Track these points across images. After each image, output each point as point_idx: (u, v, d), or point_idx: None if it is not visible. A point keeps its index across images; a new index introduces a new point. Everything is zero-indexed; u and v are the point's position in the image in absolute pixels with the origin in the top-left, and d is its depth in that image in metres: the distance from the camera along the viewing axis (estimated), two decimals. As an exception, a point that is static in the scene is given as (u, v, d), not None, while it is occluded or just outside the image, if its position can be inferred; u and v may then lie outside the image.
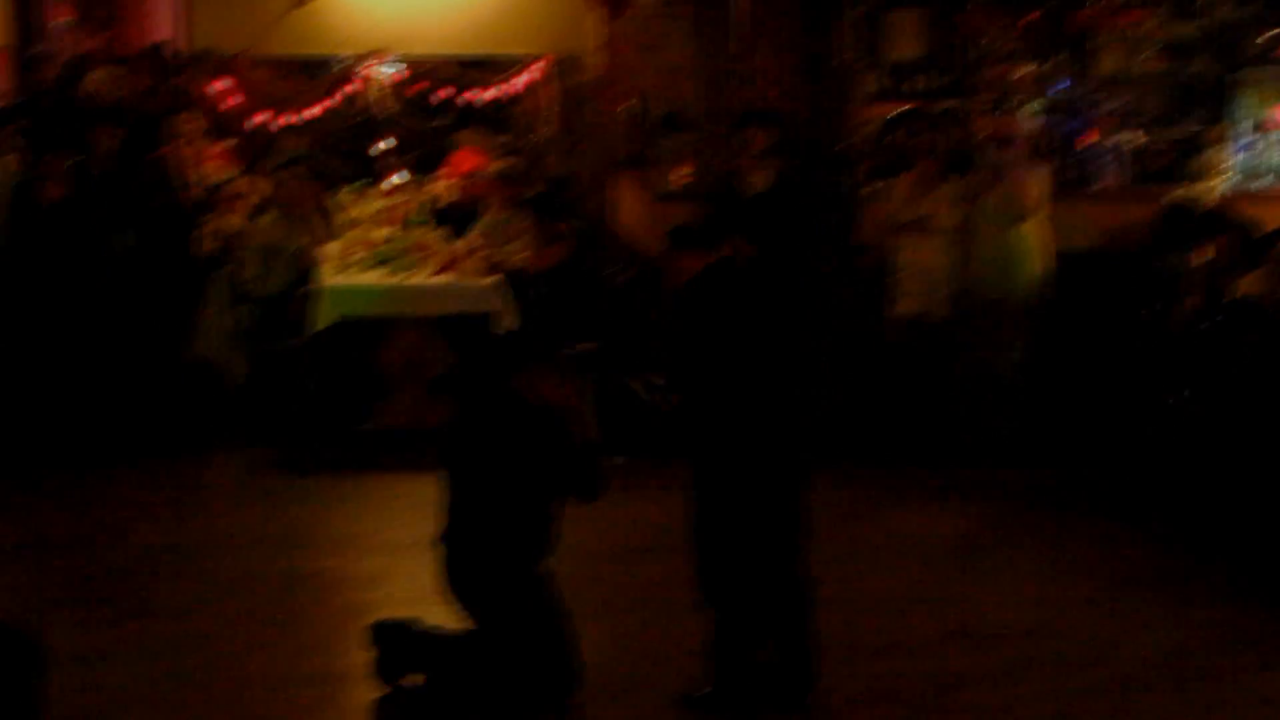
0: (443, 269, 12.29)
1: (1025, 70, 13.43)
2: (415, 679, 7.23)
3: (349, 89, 15.59)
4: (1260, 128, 13.50)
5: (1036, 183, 11.93)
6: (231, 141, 14.61)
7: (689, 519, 7.24)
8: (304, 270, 12.44)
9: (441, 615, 7.45)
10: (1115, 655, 7.94)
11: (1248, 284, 10.41)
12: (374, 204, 13.80)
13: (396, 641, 7.32)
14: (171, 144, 13.24)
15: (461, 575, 7.16)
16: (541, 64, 15.55)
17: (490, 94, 15.68)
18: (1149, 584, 9.02)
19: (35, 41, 15.44)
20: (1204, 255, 11.29)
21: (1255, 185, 13.04)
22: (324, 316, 11.79)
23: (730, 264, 7.42)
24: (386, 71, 15.48)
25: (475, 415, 7.34)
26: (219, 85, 15.37)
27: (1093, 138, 13.33)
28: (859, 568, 9.17)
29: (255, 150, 14.91)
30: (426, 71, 15.71)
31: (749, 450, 7.13)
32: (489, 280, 12.10)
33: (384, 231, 13.00)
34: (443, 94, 15.78)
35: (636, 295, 12.50)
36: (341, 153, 15.46)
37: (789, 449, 7.22)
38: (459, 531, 7.19)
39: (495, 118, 15.73)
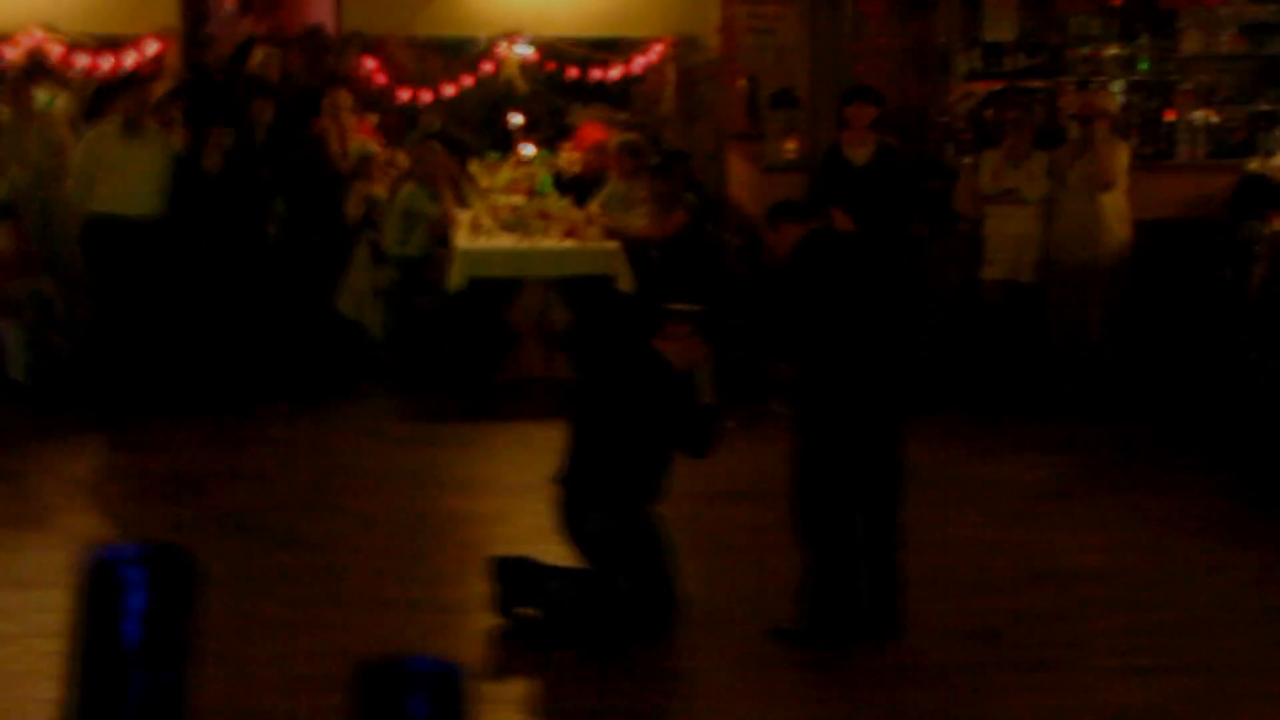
0: (567, 235, 12.26)
1: (1112, 50, 13.26)
2: (530, 611, 7.23)
3: (484, 68, 15.60)
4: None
5: (1119, 156, 11.72)
6: (377, 116, 14.70)
7: (792, 466, 7.16)
8: (440, 235, 12.47)
9: (556, 554, 7.48)
10: (1182, 597, 7.85)
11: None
12: (505, 175, 13.85)
13: (514, 576, 7.34)
14: (324, 118, 13.35)
15: (577, 515, 7.16)
16: (662, 45, 15.49)
17: (614, 73, 15.64)
18: (1216, 532, 8.89)
19: (203, 25, 15.59)
20: (1277, 224, 11.14)
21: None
22: (458, 277, 11.82)
23: (826, 233, 7.34)
24: (519, 52, 15.46)
25: (613, 368, 7.35)
26: (367, 64, 15.44)
27: (1175, 113, 13.13)
28: (950, 513, 9.07)
29: (399, 125, 15.00)
30: (556, 52, 15.69)
31: (850, 403, 7.06)
32: (609, 245, 12.05)
33: (513, 200, 13.02)
34: (571, 73, 15.76)
35: (748, 261, 12.44)
36: (476, 127, 15.53)
37: (887, 402, 7.15)
38: (579, 475, 7.18)
39: (618, 95, 15.72)
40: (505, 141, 14.91)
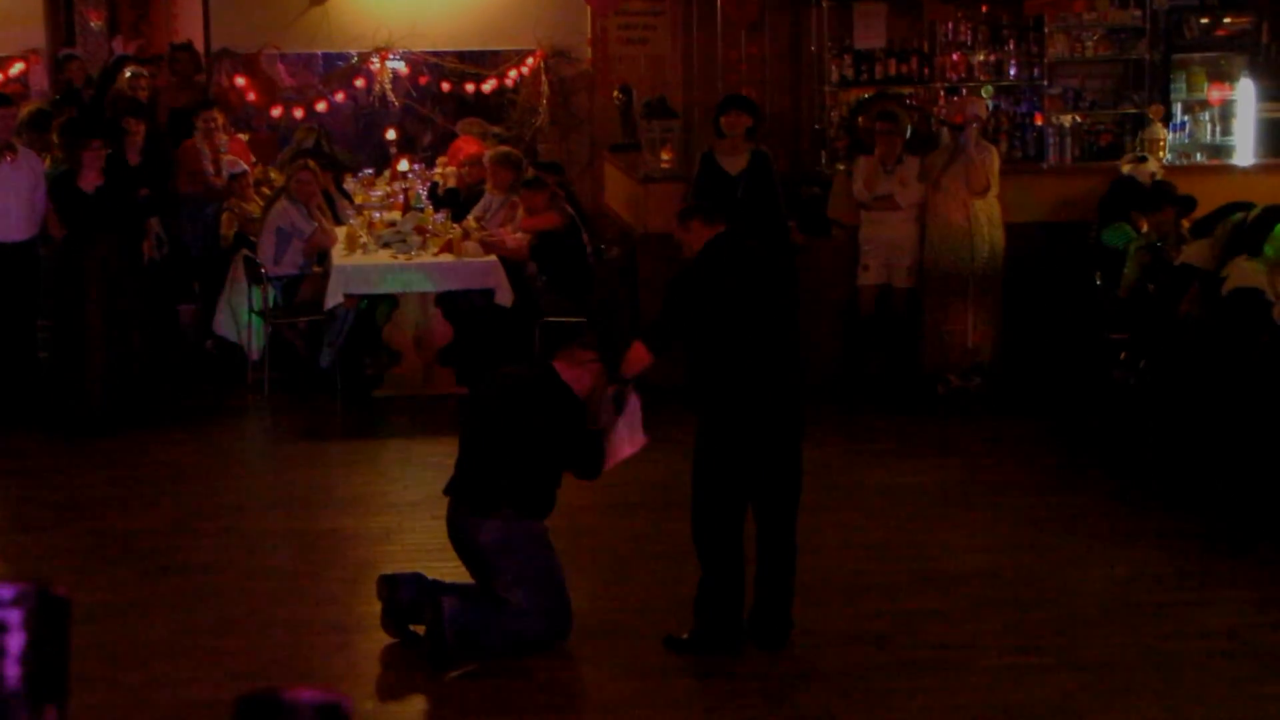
0: (444, 249, 12.22)
1: (980, 57, 13.47)
2: (419, 628, 7.22)
3: (357, 84, 15.57)
4: (1194, 108, 13.55)
5: (990, 161, 11.90)
6: (249, 134, 14.63)
7: (694, 470, 7.21)
8: (316, 252, 12.39)
9: (446, 570, 7.49)
10: (1065, 595, 7.95)
11: (1189, 253, 10.39)
12: (380, 190, 13.81)
13: (405, 594, 7.30)
14: (195, 137, 13.26)
15: (470, 526, 7.16)
16: (534, 57, 15.54)
17: (487, 86, 15.67)
18: (1096, 530, 9.01)
19: (68, 44, 15.47)
20: (1147, 226, 11.35)
21: (1189, 161, 13.06)
22: (334, 294, 11.76)
23: (732, 237, 7.39)
24: (391, 67, 15.44)
25: (513, 385, 7.34)
26: (238, 82, 15.38)
27: (1043, 117, 13.35)
28: (834, 517, 9.12)
29: (271, 142, 14.95)
30: (429, 66, 15.69)
31: (747, 408, 7.09)
32: (487, 259, 12.04)
33: (389, 215, 12.98)
34: (444, 87, 15.77)
35: (624, 270, 12.48)
36: (350, 143, 15.49)
37: (784, 408, 7.19)
38: (472, 486, 7.21)
39: (492, 108, 15.73)
40: (380, 157, 14.88)
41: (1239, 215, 10.16)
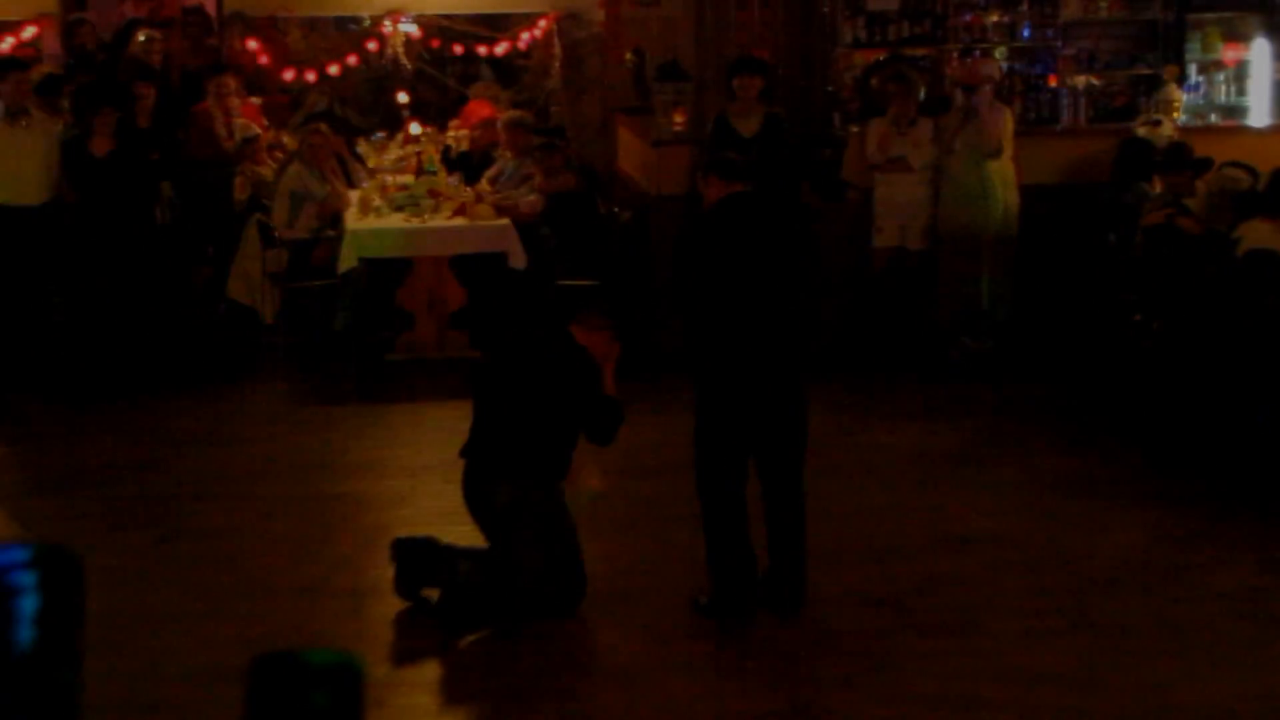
0: (457, 213, 12.18)
1: (993, 18, 13.35)
2: (433, 593, 7.19)
3: (369, 47, 15.49)
4: (1208, 68, 13.43)
5: (1004, 122, 11.79)
6: (261, 98, 14.57)
7: (695, 428, 7.17)
8: (329, 216, 12.35)
9: (460, 534, 7.46)
10: (1081, 557, 7.91)
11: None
12: (393, 153, 13.76)
13: (418, 558, 7.29)
14: (208, 101, 13.22)
15: (485, 488, 7.12)
16: (546, 19, 15.45)
17: (500, 49, 15.58)
18: (1110, 492, 8.95)
19: (80, 7, 15.39)
20: (1160, 187, 11.25)
21: (1204, 123, 12.95)
22: (348, 258, 11.71)
23: (747, 197, 7.31)
24: (404, 30, 15.36)
25: (531, 347, 7.30)
26: (250, 45, 15.30)
27: (1057, 79, 13.24)
28: (847, 480, 9.11)
29: (284, 106, 14.89)
30: (441, 29, 15.60)
31: (745, 366, 7.04)
32: (500, 222, 11.99)
33: (402, 179, 12.93)
34: (456, 50, 15.69)
35: (636, 233, 12.42)
36: (362, 107, 15.42)
37: (784, 367, 7.12)
38: (487, 448, 7.17)
39: (505, 71, 15.64)
40: (392, 120, 14.83)
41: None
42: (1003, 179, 11.80)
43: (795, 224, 7.64)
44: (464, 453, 7.29)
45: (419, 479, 9.15)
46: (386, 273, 12.09)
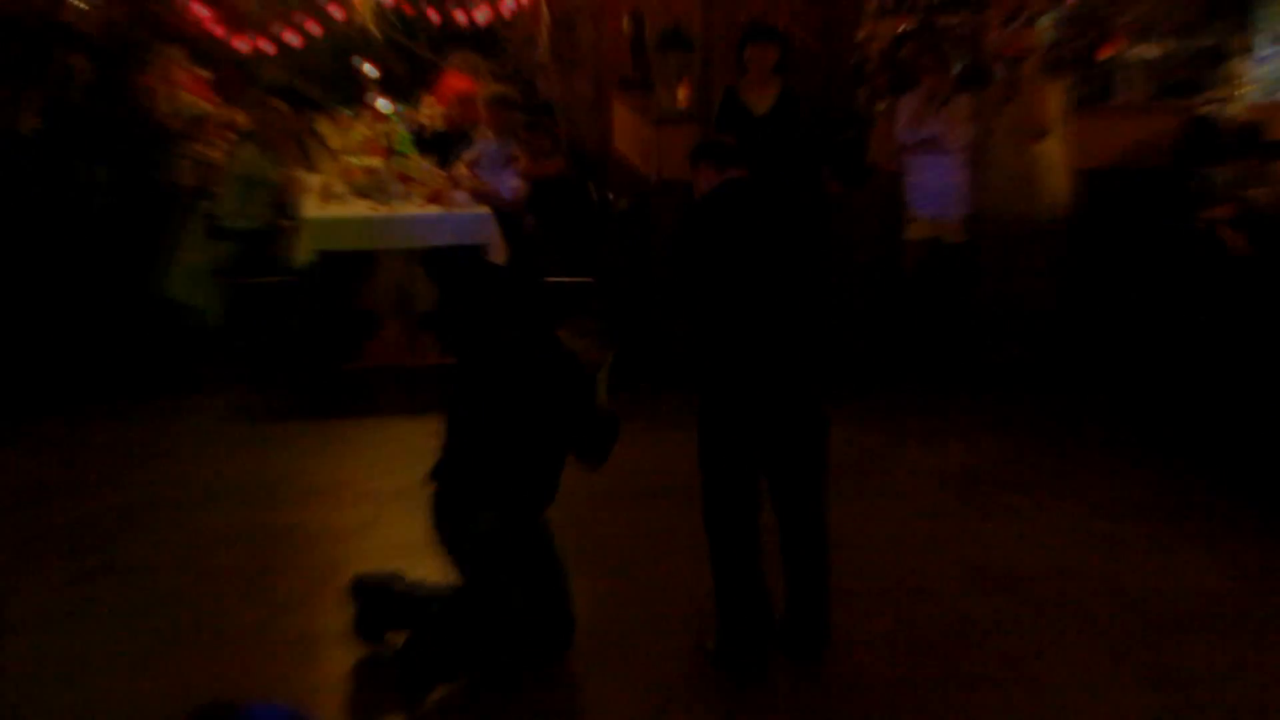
0: (430, 200, 12.15)
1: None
2: (398, 637, 7.09)
3: (333, 13, 15.37)
4: (1280, 40, 13.31)
5: (1053, 98, 11.66)
6: (212, 71, 14.47)
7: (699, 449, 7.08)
8: (285, 204, 12.26)
9: (429, 569, 7.37)
10: (1144, 598, 7.79)
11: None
12: (358, 133, 13.71)
13: (378, 598, 7.24)
14: (150, 75, 13.11)
15: (453, 517, 7.01)
16: (532, -18, 15.33)
17: (481, 15, 15.46)
18: (1176, 522, 8.82)
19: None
20: (1231, 170, 11.14)
21: (1275, 100, 12.81)
22: (305, 251, 11.63)
23: (742, 185, 7.19)
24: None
25: (513, 354, 7.16)
26: (198, 12, 15.17)
27: (1111, 50, 13.10)
28: (874, 507, 9.03)
29: (236, 80, 14.78)
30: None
31: (766, 378, 6.95)
32: (478, 211, 11.89)
33: (368, 162, 12.85)
34: (432, 17, 15.58)
35: (633, 224, 12.31)
36: (325, 81, 15.33)
37: (798, 380, 7.02)
38: (462, 470, 7.06)
39: (484, 41, 15.55)
40: (358, 96, 14.77)
41: None
42: (1050, 163, 11.68)
43: (806, 215, 7.49)
44: (434, 475, 7.13)
45: (383, 506, 9.08)
46: (349, 269, 12.02)
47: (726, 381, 6.95)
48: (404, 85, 15.08)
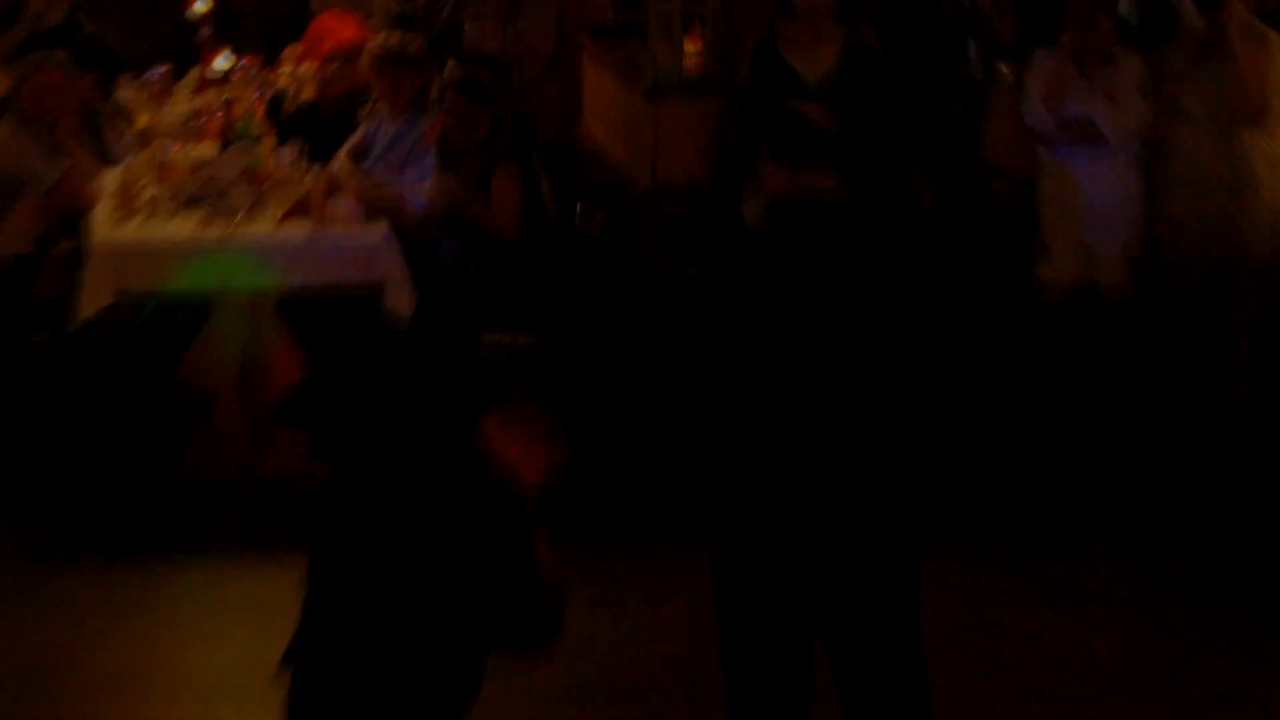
0: (292, 213, 12.07)
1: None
2: None
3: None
4: None
5: (1270, 64, 11.65)
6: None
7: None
8: (62, 216, 12.22)
9: None
10: None
11: None
12: (179, 106, 13.70)
13: None
14: None
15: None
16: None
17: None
18: None
19: None
20: None
21: None
22: (94, 293, 11.65)
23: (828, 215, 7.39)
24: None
25: (403, 467, 7.12)
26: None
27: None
28: (992, 699, 9.16)
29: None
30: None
31: (823, 505, 7.08)
32: (371, 232, 11.85)
33: (195, 151, 12.83)
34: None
35: (611, 251, 12.32)
36: (129, 23, 15.40)
37: (887, 504, 7.19)
38: (326, 653, 6.93)
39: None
40: (182, 47, 14.81)
41: None
42: (1272, 162, 11.72)
43: (902, 264, 7.55)
44: (289, 657, 7.04)
45: (212, 704, 9.08)
46: (163, 323, 12.09)
47: (754, 514, 7.11)
48: (254, 30, 15.15)
